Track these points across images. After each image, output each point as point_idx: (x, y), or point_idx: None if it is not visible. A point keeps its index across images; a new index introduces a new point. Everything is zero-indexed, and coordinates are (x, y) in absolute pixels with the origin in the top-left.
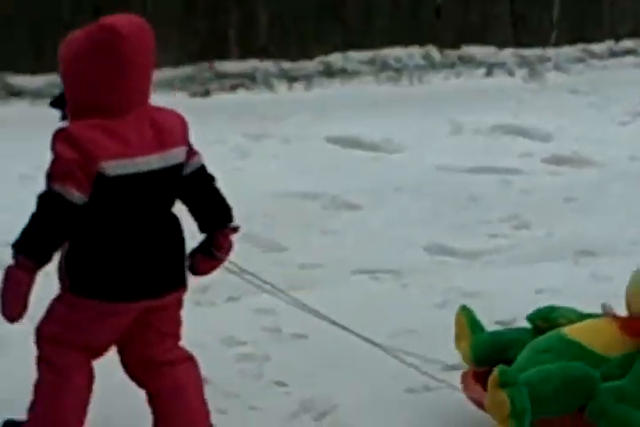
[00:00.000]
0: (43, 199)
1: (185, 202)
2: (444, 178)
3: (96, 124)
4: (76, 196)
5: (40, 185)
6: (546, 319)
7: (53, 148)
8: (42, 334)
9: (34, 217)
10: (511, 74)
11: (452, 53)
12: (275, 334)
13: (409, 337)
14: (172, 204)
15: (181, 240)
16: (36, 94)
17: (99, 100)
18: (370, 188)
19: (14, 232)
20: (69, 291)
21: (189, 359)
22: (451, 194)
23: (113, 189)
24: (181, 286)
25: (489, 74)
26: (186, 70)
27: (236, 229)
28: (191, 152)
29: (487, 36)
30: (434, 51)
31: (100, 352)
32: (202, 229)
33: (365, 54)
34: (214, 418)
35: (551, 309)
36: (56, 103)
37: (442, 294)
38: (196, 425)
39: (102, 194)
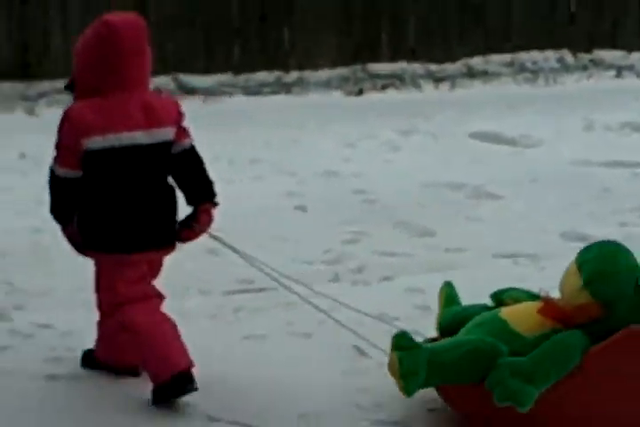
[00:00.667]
0: (49, 175)
1: (174, 177)
2: (578, 171)
3: (92, 103)
4: (65, 172)
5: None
6: (497, 298)
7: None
8: (102, 308)
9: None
10: (639, 76)
11: (585, 57)
12: (425, 311)
13: None
14: (164, 175)
15: (173, 207)
16: (208, 92)
17: (99, 82)
18: (509, 179)
19: None
20: (86, 249)
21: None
22: (584, 185)
23: (100, 161)
24: (171, 245)
25: (618, 75)
26: (341, 71)
27: (215, 204)
28: (181, 133)
29: (617, 41)
30: (567, 54)
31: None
32: (187, 202)
33: (504, 57)
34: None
35: (507, 289)
36: (68, 87)
37: None
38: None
39: (92, 166)
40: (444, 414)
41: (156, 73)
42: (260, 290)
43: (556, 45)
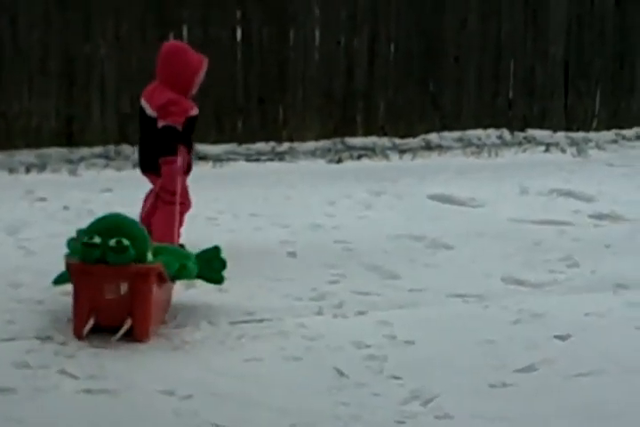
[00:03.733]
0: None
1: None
2: (515, 227)
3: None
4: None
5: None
6: None
7: None
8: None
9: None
10: (563, 151)
11: (520, 135)
12: (392, 340)
13: (489, 346)
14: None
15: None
16: (217, 158)
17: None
18: (460, 233)
19: None
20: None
21: None
22: (519, 239)
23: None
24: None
25: (547, 150)
26: (324, 143)
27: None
28: (159, 117)
29: (545, 123)
30: (506, 133)
31: None
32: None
33: (456, 134)
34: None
35: None
36: None
37: (515, 314)
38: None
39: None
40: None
41: None
42: (259, 321)
43: (497, 125)
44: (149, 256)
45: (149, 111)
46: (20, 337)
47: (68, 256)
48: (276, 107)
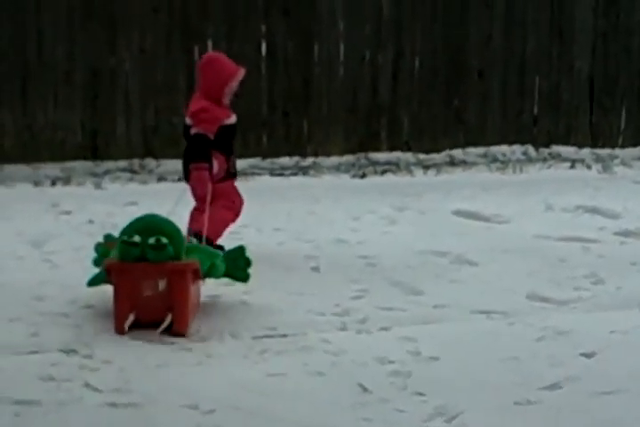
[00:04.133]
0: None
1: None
2: (540, 243)
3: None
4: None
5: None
6: None
7: None
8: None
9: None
10: (589, 167)
11: (545, 151)
12: (416, 356)
13: (514, 363)
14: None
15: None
16: (241, 173)
17: None
18: (485, 249)
19: None
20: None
21: None
22: (544, 256)
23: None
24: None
25: (572, 167)
26: (348, 158)
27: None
28: (192, 124)
29: (570, 140)
30: (531, 149)
31: None
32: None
33: (480, 150)
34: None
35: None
36: None
37: (540, 331)
38: None
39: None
40: None
41: None
42: (283, 336)
43: (522, 141)
44: (184, 254)
45: (186, 120)
46: (44, 350)
47: (98, 256)
48: (300, 121)
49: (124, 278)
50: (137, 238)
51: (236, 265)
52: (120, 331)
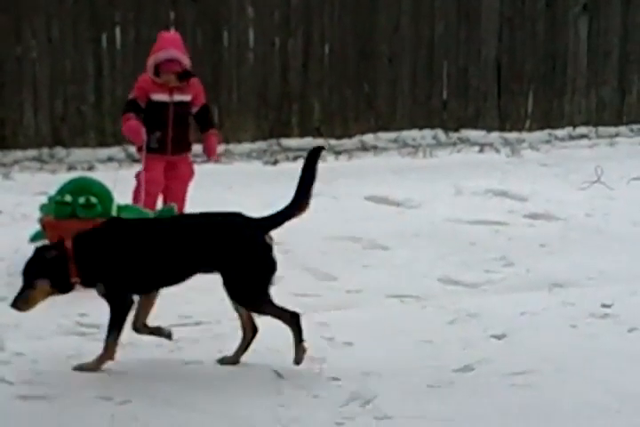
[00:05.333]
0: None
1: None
2: (451, 227)
3: None
4: None
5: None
6: None
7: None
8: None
9: None
10: (497, 151)
11: (454, 135)
12: (331, 341)
13: (427, 346)
14: None
15: None
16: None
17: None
18: (396, 233)
19: None
20: None
21: None
22: (455, 239)
23: None
24: None
25: (481, 151)
26: (260, 145)
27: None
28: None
29: (479, 124)
30: (441, 133)
31: None
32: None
33: (391, 135)
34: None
35: None
36: (184, 75)
37: (452, 314)
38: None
39: None
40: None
41: None
42: (197, 324)
43: (431, 126)
44: (114, 213)
45: None
46: None
47: (42, 215)
48: (211, 108)
49: (57, 235)
50: (68, 198)
51: None
52: None
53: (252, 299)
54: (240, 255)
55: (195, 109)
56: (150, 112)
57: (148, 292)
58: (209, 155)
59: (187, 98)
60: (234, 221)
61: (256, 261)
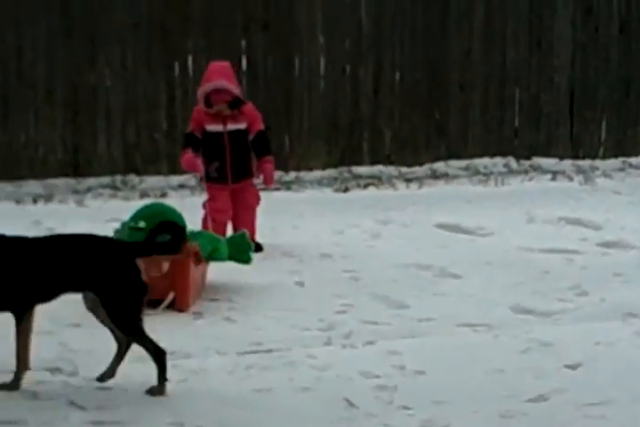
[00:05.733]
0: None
1: None
2: (523, 256)
3: None
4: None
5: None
6: None
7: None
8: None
9: None
10: (570, 179)
11: (526, 163)
12: (401, 370)
13: (499, 376)
14: None
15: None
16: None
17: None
18: (468, 261)
19: None
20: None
21: None
22: (527, 268)
23: None
24: None
25: (553, 179)
26: (331, 173)
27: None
28: None
29: (551, 151)
30: (512, 161)
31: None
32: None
33: (462, 163)
34: None
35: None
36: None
37: (524, 343)
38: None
39: None
40: None
41: None
42: (268, 351)
43: (503, 154)
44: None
45: None
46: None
47: None
48: (281, 136)
49: None
50: (142, 224)
51: (240, 249)
52: None
53: (124, 319)
54: (112, 276)
55: (251, 136)
56: (207, 143)
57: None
58: (266, 183)
59: (241, 126)
60: (106, 242)
61: (127, 282)
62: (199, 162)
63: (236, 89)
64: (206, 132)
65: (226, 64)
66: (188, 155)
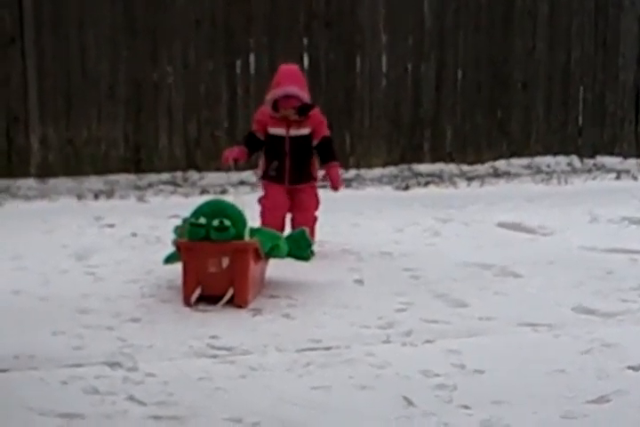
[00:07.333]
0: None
1: None
2: (585, 255)
3: None
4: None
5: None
6: None
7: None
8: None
9: None
10: (635, 178)
11: (590, 162)
12: (461, 369)
13: (560, 376)
14: None
15: None
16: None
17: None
18: (529, 261)
19: None
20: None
21: None
22: (590, 268)
23: None
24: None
25: (618, 178)
26: (391, 170)
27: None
28: None
29: (615, 150)
30: (575, 159)
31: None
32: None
33: (524, 161)
34: None
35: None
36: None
37: (586, 343)
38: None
39: None
40: None
41: None
42: (327, 348)
43: (566, 152)
44: (247, 235)
45: None
46: (88, 363)
47: (176, 237)
48: (342, 133)
49: (191, 256)
50: (202, 220)
51: (299, 246)
52: (187, 303)
53: None
54: None
55: (315, 142)
56: (269, 144)
57: None
58: (333, 188)
59: (304, 132)
60: None
61: None
62: (235, 152)
63: (306, 96)
64: (269, 135)
65: (296, 68)
66: (236, 147)
